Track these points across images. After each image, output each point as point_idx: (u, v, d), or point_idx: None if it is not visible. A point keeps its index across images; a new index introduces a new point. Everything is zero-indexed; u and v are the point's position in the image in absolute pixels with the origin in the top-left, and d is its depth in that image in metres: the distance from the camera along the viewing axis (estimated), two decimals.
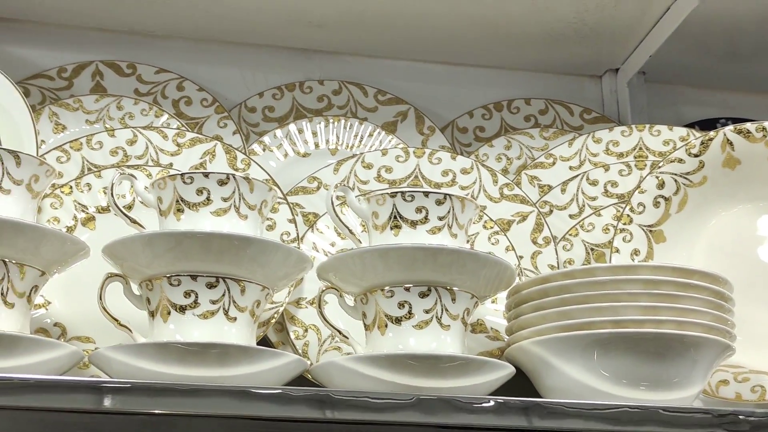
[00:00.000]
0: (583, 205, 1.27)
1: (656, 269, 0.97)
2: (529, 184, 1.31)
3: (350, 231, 1.03)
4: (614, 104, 1.47)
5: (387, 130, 1.36)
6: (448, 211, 0.99)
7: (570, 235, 1.24)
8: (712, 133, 1.15)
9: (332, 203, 1.03)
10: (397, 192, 0.99)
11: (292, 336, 1.11)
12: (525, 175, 1.31)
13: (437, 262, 0.95)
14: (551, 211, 1.27)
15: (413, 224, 0.98)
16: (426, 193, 0.99)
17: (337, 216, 1.03)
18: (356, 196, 1.02)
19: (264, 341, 1.09)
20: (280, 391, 0.86)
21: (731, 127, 1.14)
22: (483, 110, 1.45)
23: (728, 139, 1.14)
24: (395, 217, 0.99)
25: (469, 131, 1.43)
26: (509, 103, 1.45)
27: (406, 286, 0.96)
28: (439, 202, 0.99)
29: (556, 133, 1.40)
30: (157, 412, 0.82)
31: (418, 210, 0.98)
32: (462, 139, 1.43)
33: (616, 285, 0.95)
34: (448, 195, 0.99)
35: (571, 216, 1.27)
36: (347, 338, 1.00)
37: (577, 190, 1.28)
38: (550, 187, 1.30)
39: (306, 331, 1.11)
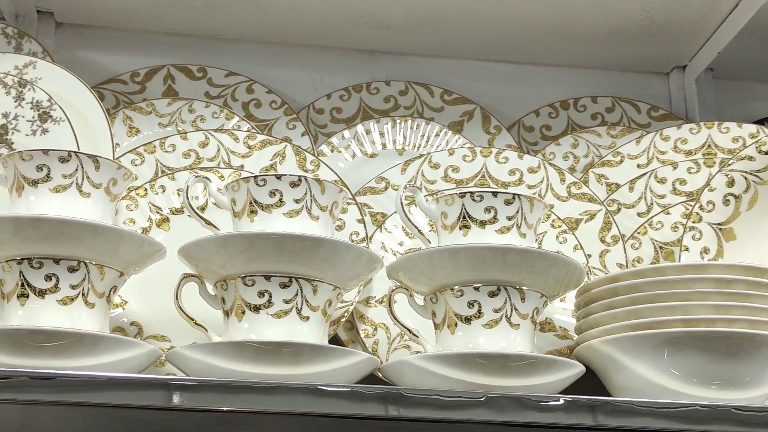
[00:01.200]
0: (652, 203, 1.27)
1: (727, 268, 0.97)
2: (596, 183, 1.31)
3: (419, 231, 1.04)
4: (682, 101, 1.46)
5: (453, 129, 1.37)
6: (517, 211, 0.99)
7: (638, 233, 1.24)
8: None
9: (401, 203, 1.04)
10: (466, 192, 1.00)
11: (362, 334, 1.12)
12: (592, 174, 1.31)
13: (506, 262, 0.96)
14: (619, 210, 1.27)
15: (482, 224, 0.99)
16: (495, 193, 0.99)
17: (406, 216, 1.04)
18: (425, 197, 1.03)
19: (334, 339, 1.11)
20: (350, 389, 0.88)
21: None
22: (549, 109, 1.45)
23: None
24: (464, 217, 1.00)
25: (536, 130, 1.44)
26: (576, 101, 1.45)
27: (476, 285, 0.97)
28: (507, 202, 0.99)
29: (623, 131, 1.40)
30: (224, 408, 0.84)
31: (487, 210, 0.99)
32: (528, 138, 1.43)
33: (687, 284, 0.95)
34: (517, 195, 0.99)
35: (639, 214, 1.27)
36: (417, 337, 1.01)
37: (645, 188, 1.28)
38: (618, 186, 1.29)
39: (375, 329, 1.13)
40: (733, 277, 0.95)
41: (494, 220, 0.99)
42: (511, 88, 1.46)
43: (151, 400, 0.86)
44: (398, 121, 1.36)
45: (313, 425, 0.95)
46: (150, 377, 0.89)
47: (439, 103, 1.41)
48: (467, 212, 1.00)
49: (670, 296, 0.95)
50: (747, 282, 0.95)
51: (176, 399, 0.86)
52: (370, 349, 1.11)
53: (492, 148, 1.26)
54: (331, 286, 0.96)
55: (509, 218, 0.99)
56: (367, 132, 1.35)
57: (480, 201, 0.99)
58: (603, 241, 1.20)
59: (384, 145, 1.35)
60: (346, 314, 1.10)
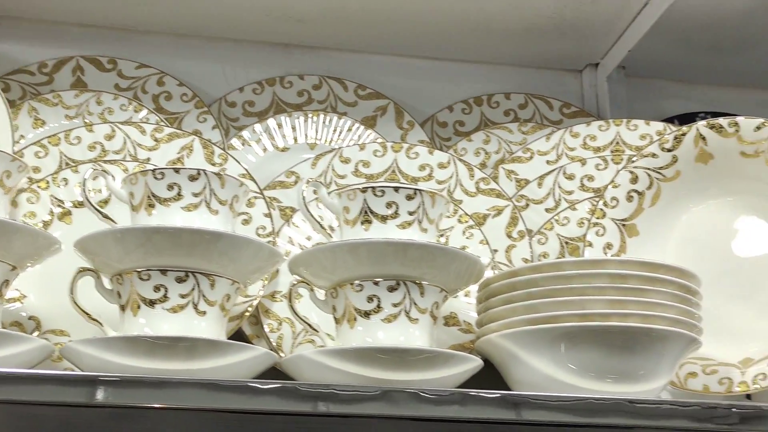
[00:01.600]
0: (560, 199, 1.28)
1: (623, 263, 0.98)
2: (506, 179, 1.32)
3: (321, 225, 1.04)
4: (594, 99, 1.48)
5: (367, 124, 1.36)
6: (419, 206, 1.00)
7: (545, 229, 1.25)
8: (685, 128, 1.15)
9: (303, 198, 1.04)
10: (367, 187, 1.00)
11: (267, 329, 1.12)
12: (502, 170, 1.32)
13: (406, 257, 0.96)
14: (528, 205, 1.28)
15: (383, 219, 0.99)
16: (396, 188, 0.99)
17: (308, 210, 1.04)
18: (328, 192, 1.03)
19: (238, 334, 1.11)
20: (245, 383, 0.87)
21: (704, 122, 1.15)
22: (463, 105, 1.45)
23: (701, 134, 1.14)
24: (366, 212, 1.00)
25: (449, 125, 1.44)
26: (489, 97, 1.46)
27: (375, 280, 0.97)
28: (409, 197, 0.99)
29: (534, 128, 1.41)
30: (120, 404, 0.83)
31: (389, 205, 0.99)
32: (442, 133, 1.43)
33: (583, 279, 0.96)
34: (419, 190, 1.00)
35: (547, 210, 1.28)
36: (317, 331, 1.01)
37: (554, 185, 1.29)
38: (527, 181, 1.30)
39: (280, 324, 1.12)
40: (628, 272, 0.96)
41: (395, 215, 0.99)
42: (425, 83, 1.46)
43: (43, 395, 0.84)
44: (310, 115, 1.35)
45: (208, 420, 0.94)
46: (41, 372, 0.87)
47: (353, 98, 1.40)
48: (369, 207, 1.00)
49: (567, 291, 0.96)
50: (641, 277, 0.96)
51: (70, 395, 0.85)
52: (274, 344, 1.11)
53: (403, 144, 1.26)
54: (229, 281, 0.96)
55: (410, 213, 0.99)
56: (279, 126, 1.34)
57: (381, 196, 0.99)
58: (509, 236, 1.20)
59: (296, 139, 1.34)
60: (250, 309, 1.10)
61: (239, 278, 0.97)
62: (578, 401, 0.92)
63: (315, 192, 1.05)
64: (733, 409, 0.95)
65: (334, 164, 1.23)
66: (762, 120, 1.13)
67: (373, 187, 0.99)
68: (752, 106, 1.52)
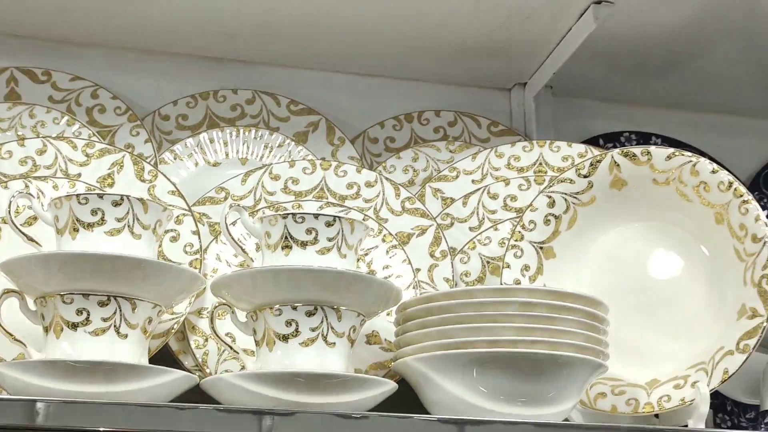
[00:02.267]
0: (483, 219, 1.32)
1: (531, 292, 1.02)
2: (432, 197, 1.35)
3: (243, 249, 1.07)
4: (522, 117, 1.51)
5: (299, 140, 1.39)
6: (338, 233, 1.03)
7: (468, 248, 1.28)
8: (600, 155, 1.20)
9: (225, 221, 1.06)
10: (288, 214, 1.03)
11: (193, 345, 1.15)
12: (429, 188, 1.36)
13: (324, 283, 0.99)
14: (452, 224, 1.32)
15: (303, 245, 1.02)
16: (316, 216, 1.03)
17: (229, 234, 1.07)
18: (247, 207, 1.05)
19: (165, 349, 1.13)
20: (165, 406, 0.90)
21: (618, 150, 1.19)
22: (394, 121, 1.48)
23: (615, 162, 1.19)
24: (286, 237, 1.03)
25: (380, 141, 1.47)
26: (419, 114, 1.49)
27: (294, 305, 1.00)
28: (328, 224, 1.03)
29: (461, 147, 1.45)
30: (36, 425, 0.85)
31: (308, 231, 1.02)
32: (372, 149, 1.46)
33: (494, 306, 1.00)
34: (337, 217, 1.03)
35: (471, 229, 1.32)
36: (237, 353, 1.04)
37: (478, 204, 1.33)
38: (453, 200, 1.34)
39: (206, 340, 1.15)
40: (536, 300, 1.00)
41: (315, 241, 1.02)
42: (357, 99, 1.49)
43: None
44: (242, 130, 1.38)
45: None
46: None
47: (285, 113, 1.43)
48: (289, 233, 1.03)
49: (478, 318, 1.00)
50: (549, 305, 1.00)
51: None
52: (200, 360, 1.13)
53: (332, 162, 1.29)
54: (151, 304, 0.98)
55: (330, 239, 1.03)
56: (211, 141, 1.37)
57: (302, 222, 1.02)
58: (432, 255, 1.24)
59: (227, 155, 1.37)
60: (176, 326, 1.12)
61: (161, 301, 1.00)
62: (486, 424, 0.96)
63: (236, 216, 1.08)
64: None
65: (263, 181, 1.26)
66: (673, 150, 1.17)
67: (293, 214, 1.02)
68: (675, 126, 1.57)
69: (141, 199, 1.00)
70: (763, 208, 1.25)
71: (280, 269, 1.00)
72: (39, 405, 0.87)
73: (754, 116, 1.61)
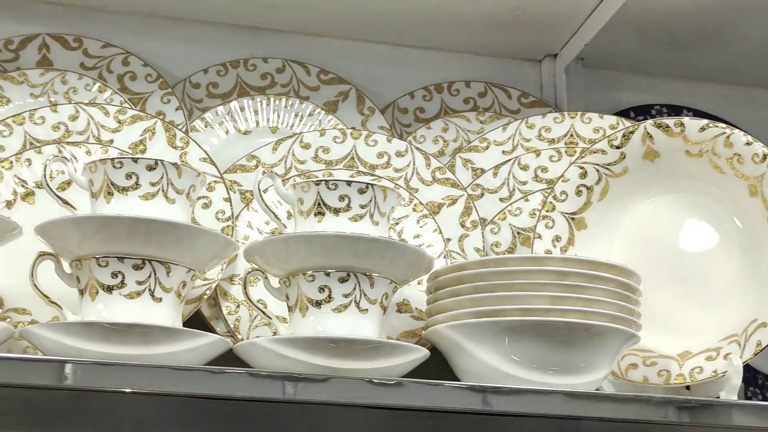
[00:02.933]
0: (513, 190, 1.32)
1: (565, 261, 1.02)
2: (463, 167, 1.35)
3: (275, 216, 1.07)
4: (552, 89, 1.51)
5: (328, 109, 1.39)
6: (370, 200, 1.03)
7: (498, 219, 1.28)
8: (632, 127, 1.19)
9: (258, 188, 1.06)
10: (321, 180, 1.03)
11: (225, 311, 1.15)
12: (459, 158, 1.35)
13: (357, 250, 0.99)
14: (483, 195, 1.32)
15: (336, 212, 1.02)
16: (349, 182, 1.03)
17: (263, 201, 1.07)
18: (279, 174, 1.05)
19: (198, 316, 1.14)
20: (201, 369, 0.91)
21: (651, 121, 1.18)
22: (424, 91, 1.48)
23: (648, 133, 1.18)
24: (319, 204, 1.03)
25: (410, 112, 1.47)
26: (450, 85, 1.48)
27: (327, 271, 1.00)
28: (361, 191, 1.03)
29: (492, 117, 1.44)
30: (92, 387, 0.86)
31: (341, 198, 1.02)
32: (402, 119, 1.46)
33: (526, 275, 1.00)
34: (370, 184, 1.03)
35: (501, 200, 1.31)
36: (270, 318, 1.04)
37: (509, 175, 1.32)
38: (483, 171, 1.34)
39: (238, 307, 1.16)
40: (570, 270, 1.00)
41: (348, 207, 1.02)
42: (387, 69, 1.48)
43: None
44: (273, 99, 1.38)
45: (164, 403, 0.97)
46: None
47: (315, 83, 1.43)
48: (322, 199, 1.03)
49: (510, 286, 0.99)
50: (583, 275, 1.00)
51: (24, 377, 0.88)
52: (232, 326, 1.14)
53: (362, 131, 1.28)
54: (185, 269, 0.99)
55: (362, 207, 1.03)
56: (242, 109, 1.37)
57: (335, 189, 1.02)
58: (463, 225, 1.24)
59: (258, 123, 1.37)
60: (208, 291, 1.13)
61: (195, 266, 1.00)
62: (518, 393, 0.96)
63: (269, 182, 1.08)
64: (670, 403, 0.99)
65: (294, 149, 1.26)
66: (706, 121, 1.17)
67: (326, 181, 1.02)
68: (707, 99, 1.56)
69: (175, 164, 1.00)
70: None
71: (313, 235, 1.00)
72: (69, 366, 0.88)
73: None
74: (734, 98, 1.58)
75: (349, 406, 0.95)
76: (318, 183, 1.02)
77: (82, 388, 0.90)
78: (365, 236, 1.00)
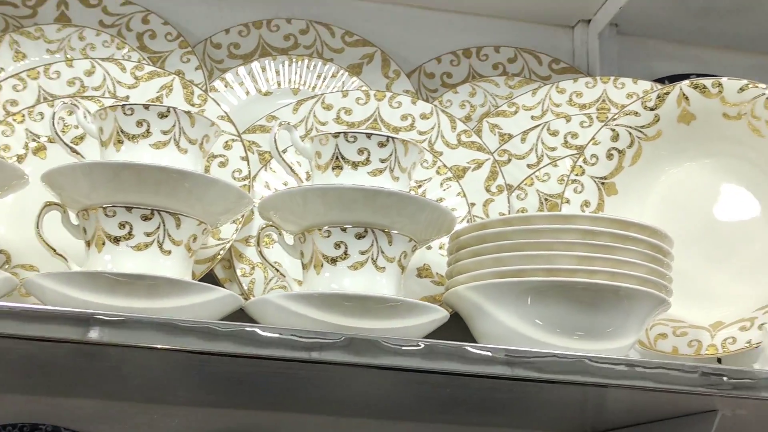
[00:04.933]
0: (542, 155, 1.27)
1: (594, 220, 0.97)
2: (489, 132, 1.30)
3: (292, 169, 1.03)
4: (584, 55, 1.46)
5: (352, 72, 1.35)
6: (391, 154, 0.99)
7: (525, 184, 1.24)
8: (668, 87, 1.14)
9: (275, 141, 1.03)
10: (339, 133, 0.99)
11: (239, 273, 1.11)
12: (486, 123, 1.31)
13: (376, 204, 0.95)
14: (510, 160, 1.27)
15: (355, 165, 0.98)
16: (369, 135, 0.98)
17: (279, 154, 1.03)
18: (300, 136, 1.02)
19: (210, 277, 1.10)
20: (204, 325, 0.87)
21: (687, 81, 1.13)
22: (451, 56, 1.43)
23: (684, 94, 1.13)
24: (337, 157, 0.99)
25: (436, 77, 1.42)
26: (478, 50, 1.44)
27: (343, 226, 0.96)
28: (381, 145, 0.98)
29: (521, 82, 1.39)
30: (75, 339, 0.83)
31: (360, 151, 0.98)
32: (428, 84, 1.42)
33: (552, 234, 0.95)
34: (391, 137, 0.98)
35: (529, 166, 1.27)
36: (284, 276, 1.00)
37: (537, 140, 1.28)
38: (511, 136, 1.29)
39: (253, 269, 1.12)
40: (598, 228, 0.95)
41: (367, 161, 0.98)
42: (414, 33, 1.44)
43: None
44: (295, 59, 1.34)
45: (170, 359, 0.94)
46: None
47: (339, 44, 1.39)
48: (340, 153, 0.99)
49: (535, 245, 0.95)
50: (612, 234, 0.95)
51: (29, 328, 0.84)
52: (246, 289, 1.10)
53: (386, 93, 1.24)
54: (195, 221, 0.95)
55: (382, 161, 0.98)
56: (263, 69, 1.33)
57: (353, 142, 0.98)
58: (488, 190, 1.19)
59: (279, 84, 1.33)
60: (222, 251, 1.09)
61: (206, 219, 0.96)
62: (540, 357, 0.92)
63: (286, 135, 1.04)
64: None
65: (315, 110, 1.22)
66: (746, 81, 1.11)
67: (345, 133, 0.98)
68: (743, 69, 1.50)
69: (188, 113, 0.96)
70: None
71: (329, 188, 0.96)
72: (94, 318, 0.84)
73: None
74: None
75: (363, 366, 0.91)
76: (336, 135, 0.98)
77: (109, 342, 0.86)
78: (384, 190, 0.96)
